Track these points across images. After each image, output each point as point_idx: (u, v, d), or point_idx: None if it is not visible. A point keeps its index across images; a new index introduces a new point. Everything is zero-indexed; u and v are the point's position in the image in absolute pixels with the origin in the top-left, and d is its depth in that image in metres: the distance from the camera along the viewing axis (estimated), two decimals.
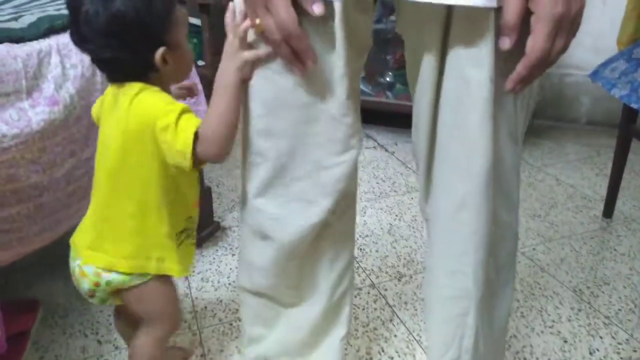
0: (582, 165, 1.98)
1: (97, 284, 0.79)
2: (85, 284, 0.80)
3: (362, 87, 2.20)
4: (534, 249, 1.45)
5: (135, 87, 0.72)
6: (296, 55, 0.62)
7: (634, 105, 1.28)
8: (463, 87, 0.63)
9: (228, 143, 0.70)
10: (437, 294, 0.75)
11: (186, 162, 0.69)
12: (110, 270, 0.78)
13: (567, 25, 0.55)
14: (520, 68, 0.59)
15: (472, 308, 0.71)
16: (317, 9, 0.59)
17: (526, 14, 0.56)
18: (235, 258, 1.41)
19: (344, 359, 0.92)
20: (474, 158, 0.64)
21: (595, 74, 1.43)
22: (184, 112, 0.69)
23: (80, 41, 0.71)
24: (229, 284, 1.31)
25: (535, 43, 0.56)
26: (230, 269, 1.36)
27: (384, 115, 2.16)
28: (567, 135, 2.25)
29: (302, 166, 0.70)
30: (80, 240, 0.82)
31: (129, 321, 0.91)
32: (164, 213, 0.76)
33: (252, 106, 0.70)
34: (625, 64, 1.37)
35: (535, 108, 2.29)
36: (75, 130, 0.99)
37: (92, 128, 1.00)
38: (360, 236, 1.52)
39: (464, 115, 0.64)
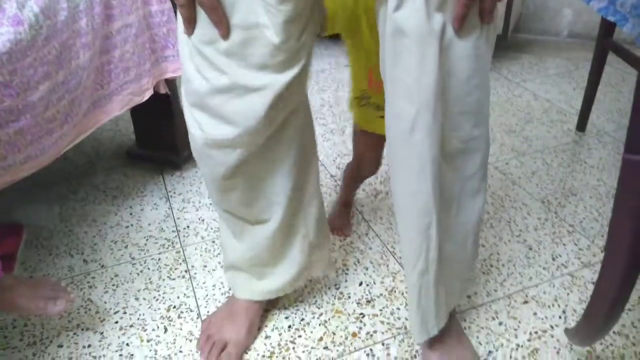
0: (560, 80, 1.98)
1: None
2: None
3: None
4: (506, 163, 1.49)
5: None
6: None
7: (611, 18, 1.26)
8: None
9: None
10: (403, 213, 0.79)
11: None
12: None
13: None
14: (458, 8, 0.61)
15: (434, 221, 0.75)
16: None
17: None
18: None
19: (309, 266, 0.98)
20: (420, 79, 0.65)
21: None
22: None
23: None
24: (210, 204, 1.34)
25: None
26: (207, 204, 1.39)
27: None
28: (548, 49, 2.24)
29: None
30: None
31: None
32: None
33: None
34: None
35: (518, 21, 2.26)
36: (46, 52, 0.97)
37: (64, 49, 0.98)
38: (338, 155, 1.54)
39: (403, 40, 0.65)
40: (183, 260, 1.17)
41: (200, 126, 0.77)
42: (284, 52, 0.69)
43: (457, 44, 0.65)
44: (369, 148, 1.10)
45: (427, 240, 0.77)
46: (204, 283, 1.11)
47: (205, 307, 1.05)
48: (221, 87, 0.71)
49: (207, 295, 1.08)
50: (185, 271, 1.14)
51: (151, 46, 1.27)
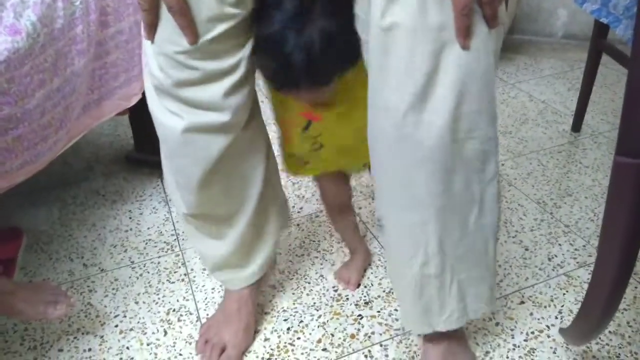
0: (555, 81, 2.00)
1: None
2: None
3: None
4: (502, 164, 1.50)
5: None
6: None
7: (604, 20, 1.28)
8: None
9: None
10: (392, 207, 0.78)
11: None
12: None
13: None
14: (457, 22, 0.60)
15: (432, 216, 0.73)
16: None
17: None
18: None
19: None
20: (409, 71, 0.65)
21: None
22: None
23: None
24: None
25: None
26: None
27: None
28: (543, 50, 2.25)
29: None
30: None
31: None
32: None
33: None
34: None
35: (512, 22, 2.27)
36: (42, 60, 0.98)
37: (59, 57, 0.98)
38: None
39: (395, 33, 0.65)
40: (182, 264, 1.18)
41: (178, 114, 0.77)
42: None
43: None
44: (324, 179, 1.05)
45: (424, 235, 0.75)
46: (203, 286, 1.12)
47: (205, 310, 1.06)
48: (191, 79, 0.73)
49: (206, 298, 1.09)
50: (185, 274, 1.15)
51: (140, 51, 1.27)
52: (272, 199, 0.96)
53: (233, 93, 0.76)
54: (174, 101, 0.76)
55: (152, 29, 0.70)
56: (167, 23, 0.69)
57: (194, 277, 1.14)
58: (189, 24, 0.67)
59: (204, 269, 1.16)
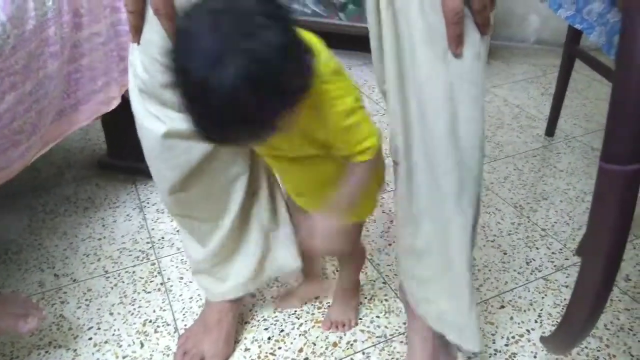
0: (528, 85, 2.03)
1: None
2: None
3: (314, 7, 2.15)
4: None
5: None
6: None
7: (579, 26, 1.30)
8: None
9: None
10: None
11: None
12: None
13: None
14: (449, 31, 0.62)
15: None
16: None
17: None
18: None
19: (269, 256, 0.97)
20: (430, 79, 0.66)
21: None
22: None
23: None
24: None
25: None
26: None
27: (337, 38, 2.12)
28: (516, 55, 2.29)
29: None
30: None
31: None
32: None
33: None
34: None
35: None
36: (13, 62, 0.94)
37: (31, 59, 0.95)
38: None
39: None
40: (158, 273, 1.15)
41: (160, 118, 0.76)
42: None
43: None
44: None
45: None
46: (180, 295, 1.09)
47: (183, 320, 1.03)
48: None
49: (184, 308, 1.06)
50: (161, 284, 1.12)
51: (119, 54, 1.24)
52: (256, 213, 0.93)
53: None
54: (157, 104, 0.75)
55: (137, 31, 0.70)
56: (153, 26, 0.67)
57: (171, 286, 1.11)
58: (174, 28, 0.65)
59: (181, 277, 1.13)
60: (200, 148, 0.78)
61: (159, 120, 0.76)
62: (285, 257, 0.97)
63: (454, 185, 0.71)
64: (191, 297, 1.08)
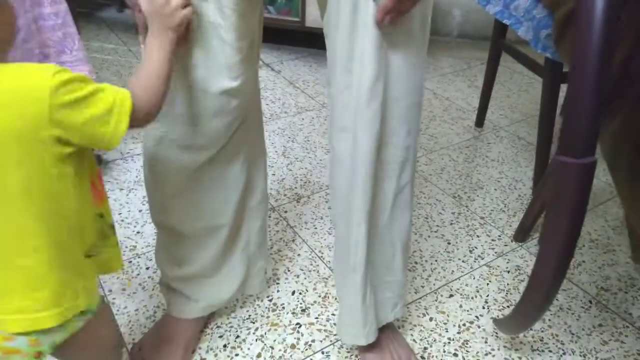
0: (455, 78, 2.10)
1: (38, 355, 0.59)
2: None
3: None
4: (417, 161, 1.55)
5: None
6: None
7: (506, 22, 1.36)
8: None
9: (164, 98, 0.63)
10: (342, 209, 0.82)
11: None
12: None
13: None
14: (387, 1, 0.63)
15: (363, 219, 0.79)
16: None
17: None
18: (124, 193, 1.34)
19: (246, 279, 0.97)
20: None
21: None
22: None
23: None
24: (121, 220, 1.25)
25: None
26: (121, 204, 1.30)
27: (267, 32, 2.09)
28: (441, 48, 2.36)
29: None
30: None
31: None
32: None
33: None
34: None
35: None
36: None
37: None
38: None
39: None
40: (99, 286, 1.08)
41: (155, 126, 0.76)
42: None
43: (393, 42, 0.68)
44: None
45: (356, 236, 0.81)
46: (124, 308, 1.03)
47: (130, 334, 0.97)
48: None
49: (130, 321, 1.00)
50: (102, 297, 1.05)
51: (42, 51, 1.15)
52: (244, 229, 0.92)
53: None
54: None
55: (145, 29, 0.68)
56: None
57: (114, 299, 1.05)
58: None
59: (124, 289, 1.07)
60: (192, 159, 0.80)
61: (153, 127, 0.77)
62: (259, 285, 1.01)
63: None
64: (137, 309, 1.03)
